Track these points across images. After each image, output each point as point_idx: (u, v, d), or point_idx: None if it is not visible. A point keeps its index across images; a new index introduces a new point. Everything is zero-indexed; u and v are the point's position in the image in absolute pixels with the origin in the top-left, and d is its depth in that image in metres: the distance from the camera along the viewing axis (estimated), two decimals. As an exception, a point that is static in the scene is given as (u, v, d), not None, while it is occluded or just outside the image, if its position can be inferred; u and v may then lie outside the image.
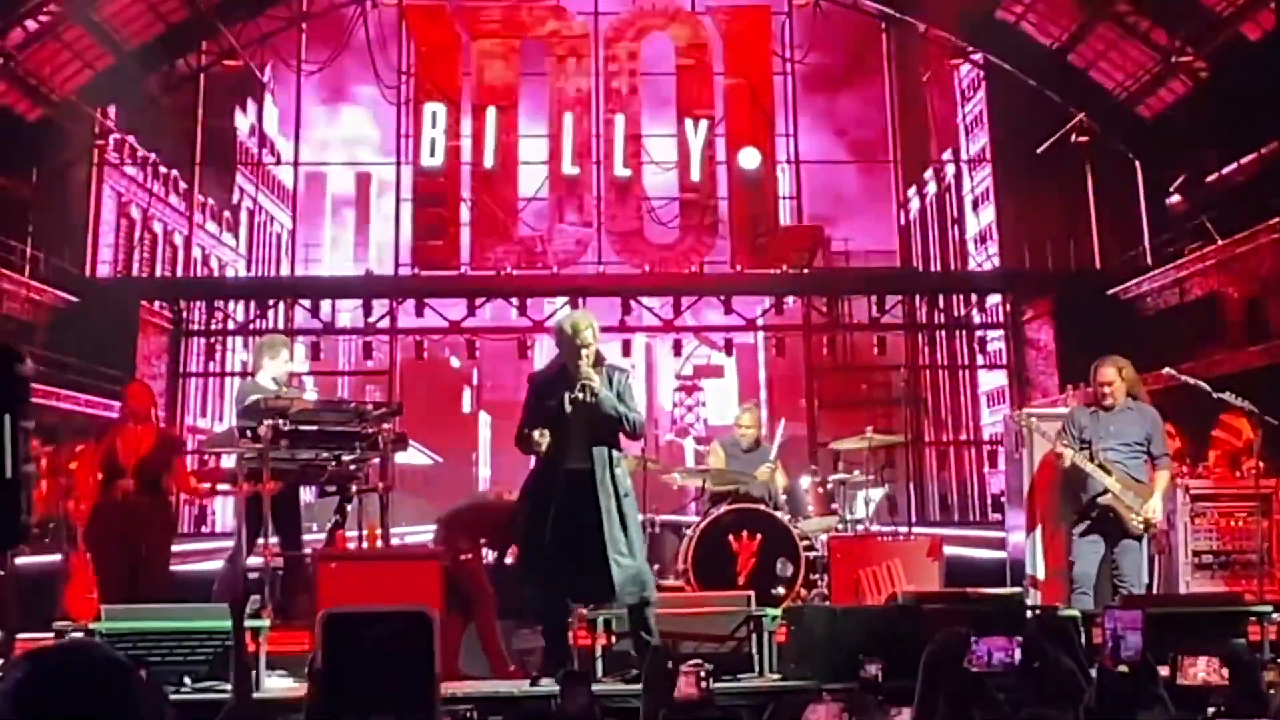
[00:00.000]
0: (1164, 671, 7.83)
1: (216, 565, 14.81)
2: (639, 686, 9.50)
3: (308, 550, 13.31)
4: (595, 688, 9.43)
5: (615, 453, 10.95)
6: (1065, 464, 12.84)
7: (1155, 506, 12.58)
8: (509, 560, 12.70)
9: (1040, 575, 14.48)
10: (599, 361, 11.06)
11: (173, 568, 15.28)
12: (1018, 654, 7.71)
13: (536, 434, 10.80)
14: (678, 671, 8.20)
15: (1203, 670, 7.84)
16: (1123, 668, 7.67)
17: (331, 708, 3.38)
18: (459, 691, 9.77)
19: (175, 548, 15.46)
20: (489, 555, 12.94)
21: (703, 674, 8.42)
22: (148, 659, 10.02)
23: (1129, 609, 7.99)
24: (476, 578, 12.55)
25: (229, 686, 10.13)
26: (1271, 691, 8.37)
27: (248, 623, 10.86)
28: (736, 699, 10.04)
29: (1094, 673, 7.95)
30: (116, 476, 13.53)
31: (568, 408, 10.82)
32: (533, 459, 11.18)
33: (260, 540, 12.62)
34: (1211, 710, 7.51)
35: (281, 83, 28.72)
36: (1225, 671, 7.86)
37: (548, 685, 10.51)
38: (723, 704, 9.18)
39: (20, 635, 11.22)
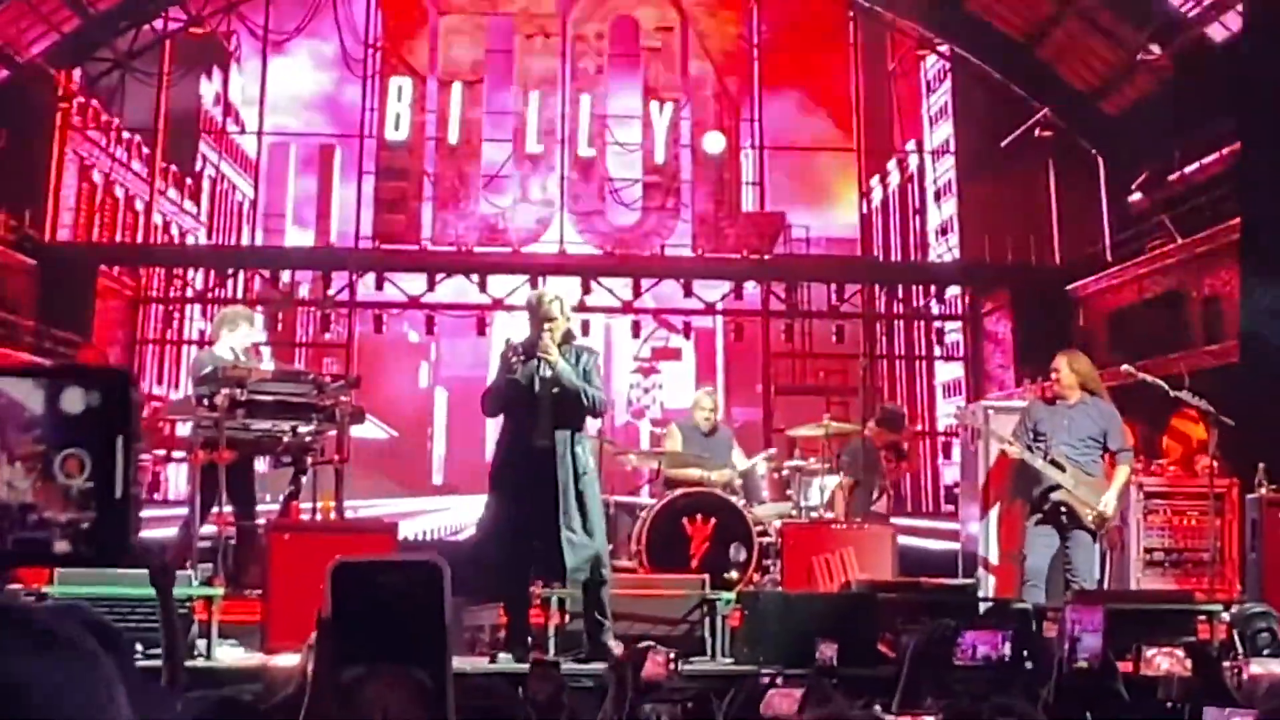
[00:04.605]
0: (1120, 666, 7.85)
1: (170, 532, 14.78)
2: (595, 666, 9.52)
3: (261, 520, 13.30)
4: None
5: (577, 433, 10.96)
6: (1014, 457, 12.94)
7: (1109, 501, 12.59)
8: None
9: (993, 559, 14.55)
10: (568, 339, 11.08)
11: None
12: (1005, 648, 7.68)
13: None
14: (644, 654, 8.16)
15: (1165, 661, 7.88)
16: (1081, 664, 7.69)
17: (339, 657, 3.37)
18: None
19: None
20: None
21: (671, 655, 8.41)
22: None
23: (1090, 608, 8.01)
24: None
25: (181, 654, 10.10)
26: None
27: (200, 591, 10.87)
28: (689, 682, 10.04)
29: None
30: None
31: (524, 381, 10.87)
32: (497, 434, 11.23)
33: (214, 509, 12.59)
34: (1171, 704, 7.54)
35: (246, 51, 28.59)
36: (1189, 663, 7.90)
37: (505, 661, 10.52)
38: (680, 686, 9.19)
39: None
